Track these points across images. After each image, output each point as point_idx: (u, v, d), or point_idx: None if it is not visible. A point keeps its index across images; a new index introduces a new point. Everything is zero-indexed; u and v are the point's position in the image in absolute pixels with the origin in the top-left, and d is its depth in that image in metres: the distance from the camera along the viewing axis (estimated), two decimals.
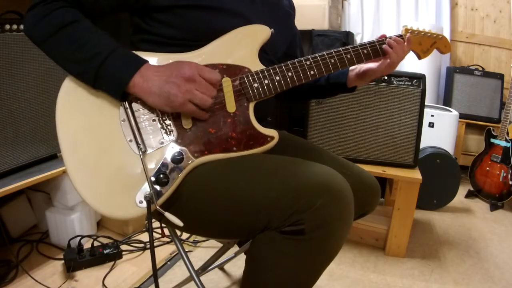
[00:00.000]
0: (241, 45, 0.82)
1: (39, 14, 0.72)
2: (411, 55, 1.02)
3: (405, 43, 0.94)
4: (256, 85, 0.81)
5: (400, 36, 0.96)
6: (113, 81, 0.72)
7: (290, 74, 0.83)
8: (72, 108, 0.74)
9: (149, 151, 0.74)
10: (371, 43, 0.92)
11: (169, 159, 0.74)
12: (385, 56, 0.93)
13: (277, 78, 0.82)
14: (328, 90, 1.09)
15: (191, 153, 0.76)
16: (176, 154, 0.75)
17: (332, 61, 0.87)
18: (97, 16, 0.79)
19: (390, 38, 0.93)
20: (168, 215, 0.71)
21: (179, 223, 0.71)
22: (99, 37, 0.73)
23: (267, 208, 0.68)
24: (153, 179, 0.73)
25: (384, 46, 0.92)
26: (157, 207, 0.71)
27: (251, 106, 0.81)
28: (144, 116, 0.76)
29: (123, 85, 0.72)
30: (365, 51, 0.91)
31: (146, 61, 0.74)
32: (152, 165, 0.73)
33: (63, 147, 0.72)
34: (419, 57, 1.01)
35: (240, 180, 0.74)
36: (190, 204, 0.75)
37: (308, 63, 0.85)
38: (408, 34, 0.96)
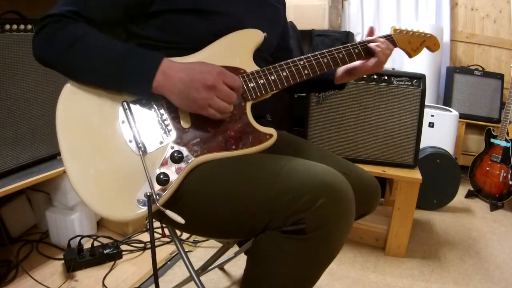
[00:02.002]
0: (236, 48, 0.85)
1: (48, 34, 0.73)
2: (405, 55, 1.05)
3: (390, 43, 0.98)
4: (252, 84, 0.82)
5: (389, 36, 0.99)
6: (137, 85, 0.74)
7: (284, 73, 0.85)
8: (72, 111, 0.75)
9: (149, 151, 0.74)
10: (361, 43, 0.96)
11: (169, 159, 0.75)
12: (373, 55, 0.96)
13: (272, 77, 0.84)
14: (316, 86, 1.14)
15: (191, 152, 0.76)
16: (175, 153, 0.75)
17: (325, 60, 0.90)
18: (99, 27, 0.78)
19: (377, 38, 0.97)
20: (169, 213, 0.71)
21: (181, 220, 0.71)
22: (112, 43, 0.74)
23: (267, 208, 0.69)
24: (153, 179, 0.73)
25: (373, 45, 0.95)
26: (159, 206, 0.71)
27: (248, 105, 0.82)
28: (143, 117, 0.76)
29: (148, 88, 0.73)
30: (356, 51, 0.94)
31: (163, 57, 0.74)
32: (152, 165, 0.74)
33: (63, 150, 0.72)
34: (410, 56, 1.04)
35: (241, 180, 0.74)
36: (190, 204, 0.75)
37: (302, 63, 0.87)
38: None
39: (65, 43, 0.72)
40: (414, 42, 1.02)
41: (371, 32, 0.99)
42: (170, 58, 0.76)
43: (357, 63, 1.00)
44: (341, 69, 1.05)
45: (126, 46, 0.75)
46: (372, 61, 0.96)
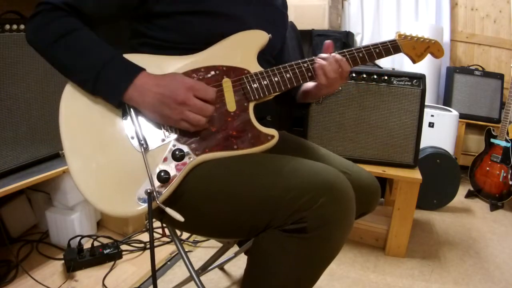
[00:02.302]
0: (240, 49, 0.84)
1: (40, 23, 0.75)
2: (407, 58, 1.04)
3: (340, 64, 0.87)
4: (255, 85, 0.82)
5: (393, 41, 0.96)
6: (108, 93, 0.74)
7: (288, 75, 0.85)
8: (75, 107, 0.75)
9: (150, 148, 0.75)
10: (366, 47, 0.93)
11: (170, 157, 0.75)
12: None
13: (276, 79, 0.84)
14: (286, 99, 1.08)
15: (192, 151, 0.76)
16: (177, 151, 0.75)
17: None
18: (98, 23, 0.80)
19: (328, 56, 0.88)
20: (169, 210, 0.71)
21: (180, 218, 0.71)
22: (97, 47, 0.75)
23: (268, 207, 0.69)
24: (154, 176, 0.73)
25: (315, 66, 0.87)
26: (159, 203, 0.71)
27: (251, 106, 0.82)
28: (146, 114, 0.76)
29: (118, 98, 0.74)
30: (360, 55, 0.91)
31: (141, 71, 0.75)
32: (154, 163, 0.74)
33: (66, 146, 0.73)
34: (414, 61, 1.03)
35: (242, 179, 0.74)
36: (191, 202, 0.76)
37: (305, 65, 0.87)
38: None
39: (52, 35, 0.74)
40: (418, 48, 1.00)
41: (327, 48, 0.90)
42: (158, 60, 0.76)
43: (306, 86, 0.95)
44: (299, 91, 1.02)
45: (108, 53, 0.75)
46: (318, 84, 0.90)
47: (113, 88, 0.74)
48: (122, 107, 0.75)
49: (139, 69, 0.75)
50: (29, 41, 0.77)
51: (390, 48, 0.96)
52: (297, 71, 0.86)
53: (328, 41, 0.90)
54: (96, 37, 0.76)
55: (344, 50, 0.90)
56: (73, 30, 0.74)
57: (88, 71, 0.73)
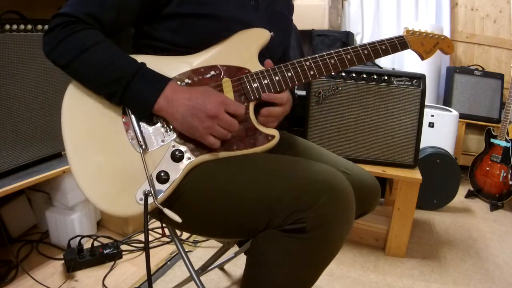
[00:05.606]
0: (241, 47, 0.83)
1: (58, 37, 0.73)
2: (414, 55, 1.01)
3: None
4: (255, 85, 0.82)
5: (400, 37, 0.93)
6: (138, 105, 0.74)
7: (289, 74, 0.84)
8: (77, 109, 0.76)
9: (150, 149, 0.75)
10: (371, 44, 0.90)
11: (169, 157, 0.75)
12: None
13: (277, 78, 0.83)
14: None
15: (192, 152, 0.76)
16: (176, 152, 0.75)
17: (332, 61, 0.87)
18: (117, 32, 0.80)
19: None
20: (166, 211, 0.72)
21: (178, 219, 0.71)
22: (121, 59, 0.74)
23: (268, 207, 0.69)
24: (153, 177, 0.73)
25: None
26: (157, 204, 0.72)
27: (252, 106, 0.82)
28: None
29: (148, 109, 0.74)
30: (366, 52, 0.89)
31: (169, 82, 0.75)
32: (153, 163, 0.74)
33: (68, 147, 0.74)
34: (422, 58, 1.00)
35: (241, 179, 0.74)
36: (191, 203, 0.76)
37: (307, 63, 0.85)
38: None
39: (74, 50, 0.72)
40: (427, 44, 0.97)
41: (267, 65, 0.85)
42: (177, 76, 0.75)
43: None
44: None
45: (133, 65, 0.74)
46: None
47: (143, 100, 0.74)
48: (149, 115, 0.75)
49: (167, 80, 0.75)
50: (48, 55, 0.75)
51: (397, 44, 0.92)
52: (298, 69, 0.84)
53: (267, 60, 0.85)
54: (118, 48, 0.75)
55: (348, 48, 0.88)
56: (95, 43, 0.73)
57: (115, 84, 0.72)
